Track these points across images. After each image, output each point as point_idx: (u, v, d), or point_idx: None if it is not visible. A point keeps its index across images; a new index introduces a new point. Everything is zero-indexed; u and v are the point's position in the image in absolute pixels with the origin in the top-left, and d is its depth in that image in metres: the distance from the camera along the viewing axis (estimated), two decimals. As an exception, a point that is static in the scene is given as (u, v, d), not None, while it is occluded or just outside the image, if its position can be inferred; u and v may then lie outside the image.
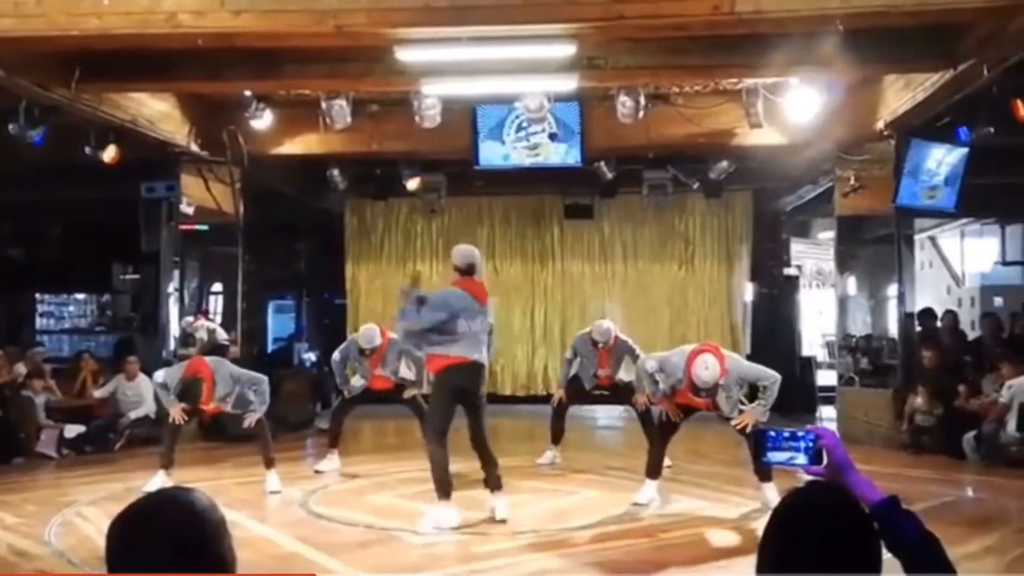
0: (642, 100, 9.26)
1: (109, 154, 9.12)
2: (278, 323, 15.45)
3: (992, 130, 8.30)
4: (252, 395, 7.46)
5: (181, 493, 1.57)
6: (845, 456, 1.93)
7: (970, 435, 8.71)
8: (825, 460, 1.92)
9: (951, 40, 7.33)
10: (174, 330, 11.01)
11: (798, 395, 12.15)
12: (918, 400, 9.27)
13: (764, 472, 6.16)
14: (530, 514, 6.64)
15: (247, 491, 7.23)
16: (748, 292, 13.88)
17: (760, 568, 1.68)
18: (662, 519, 6.51)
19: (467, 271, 6.28)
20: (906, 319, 10.46)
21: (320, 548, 5.63)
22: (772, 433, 2.00)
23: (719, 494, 7.28)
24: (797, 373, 12.52)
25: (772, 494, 6.07)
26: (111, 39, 6.74)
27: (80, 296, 14.60)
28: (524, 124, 10.47)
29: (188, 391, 7.44)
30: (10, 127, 8.03)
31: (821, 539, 1.62)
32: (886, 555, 1.73)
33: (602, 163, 11.28)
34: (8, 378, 9.48)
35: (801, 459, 1.95)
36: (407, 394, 8.25)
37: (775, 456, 1.98)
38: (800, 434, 1.96)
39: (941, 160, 9.12)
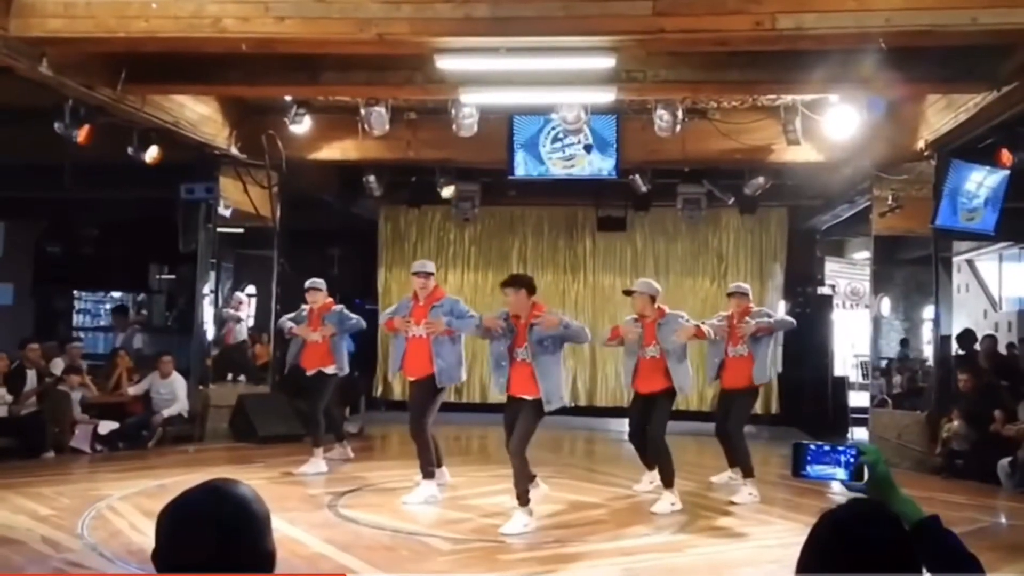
0: (680, 114, 9.24)
1: (151, 155, 9.26)
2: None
3: (1034, 153, 8.21)
4: None
5: (230, 485, 1.59)
6: (887, 473, 1.91)
7: (1005, 461, 8.56)
8: (867, 476, 1.91)
9: (994, 62, 7.25)
10: (208, 331, 11.13)
11: (830, 415, 12.06)
12: (955, 424, 9.13)
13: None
14: (556, 524, 6.63)
15: (276, 491, 7.27)
16: (781, 310, 13.77)
17: (798, 582, 1.67)
18: (690, 535, 6.48)
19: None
20: (942, 342, 10.32)
21: (346, 550, 5.66)
22: (813, 446, 1.98)
23: (748, 512, 7.22)
24: (829, 393, 12.42)
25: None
26: (157, 42, 6.85)
27: (116, 294, 14.82)
28: (560, 135, 10.51)
29: None
30: (55, 125, 8.17)
31: (862, 557, 1.61)
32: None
33: (637, 176, 11.27)
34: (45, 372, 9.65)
35: (841, 474, 1.94)
36: None
37: (815, 470, 1.97)
38: (841, 448, 1.94)
39: (981, 182, 9.01)
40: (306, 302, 8.89)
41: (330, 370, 8.73)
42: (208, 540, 1.49)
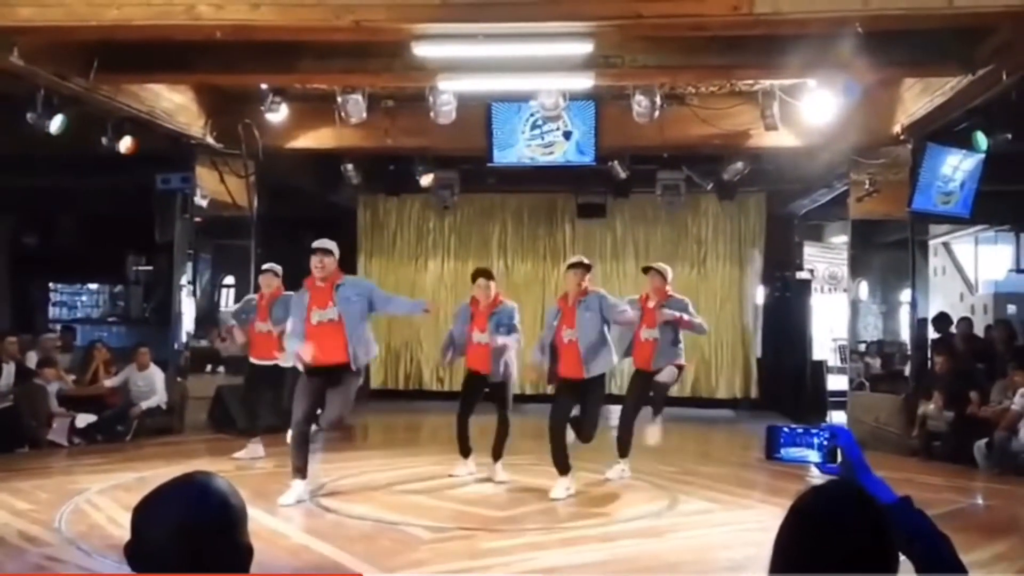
0: (658, 100, 9.23)
1: (125, 145, 9.17)
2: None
3: (1009, 136, 8.28)
4: None
5: (206, 478, 1.58)
6: (860, 455, 1.92)
7: (981, 443, 8.66)
8: (839, 458, 1.92)
9: (971, 45, 7.29)
10: (187, 322, 11.06)
11: (808, 399, 12.15)
12: (931, 406, 9.23)
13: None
14: (538, 511, 6.65)
15: (255, 482, 7.23)
16: (760, 295, 13.85)
17: (774, 566, 1.67)
18: (671, 519, 6.51)
19: None
20: (919, 325, 10.42)
21: (328, 541, 5.64)
22: (786, 429, 1.99)
23: (728, 496, 7.27)
24: (808, 377, 12.50)
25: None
26: (130, 30, 6.76)
27: (93, 286, 14.70)
28: (539, 122, 10.48)
29: None
30: (28, 116, 8.07)
31: (839, 538, 1.62)
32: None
33: (616, 162, 11.26)
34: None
35: (815, 456, 1.94)
36: None
37: (788, 452, 1.97)
38: (814, 431, 1.95)
39: (957, 166, 9.08)
40: (259, 288, 8.71)
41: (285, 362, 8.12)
42: (184, 534, 1.48)
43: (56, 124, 8.19)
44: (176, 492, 1.54)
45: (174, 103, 9.65)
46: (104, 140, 9.02)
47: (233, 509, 1.55)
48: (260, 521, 6.00)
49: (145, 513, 1.52)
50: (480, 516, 6.45)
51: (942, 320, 10.80)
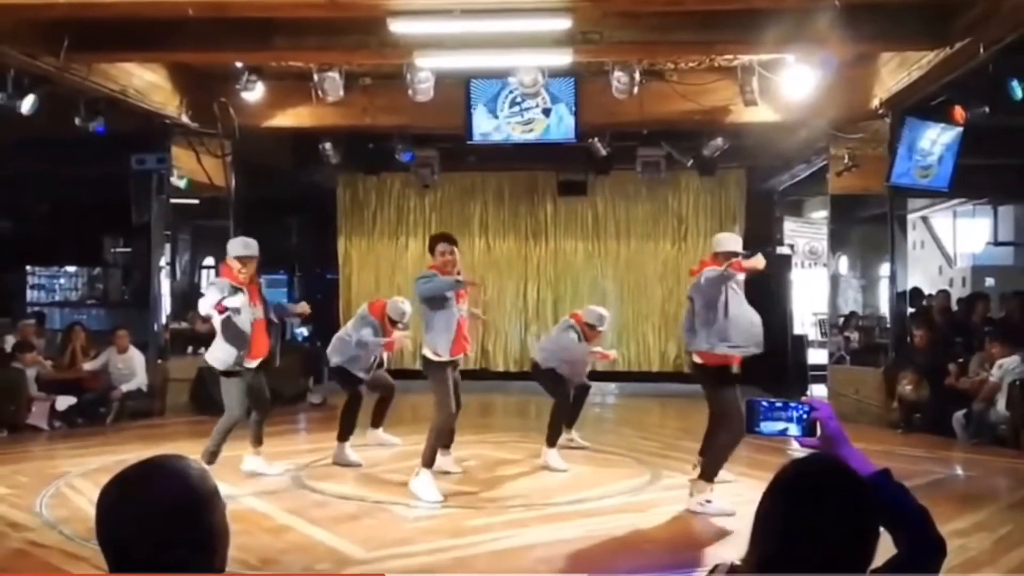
0: (637, 76, 9.20)
1: (98, 124, 9.02)
2: (270, 298, 15.37)
3: (987, 110, 8.29)
4: None
5: (173, 461, 1.55)
6: (839, 428, 1.92)
7: (960, 414, 8.76)
8: (819, 432, 1.92)
9: (947, 19, 7.30)
10: (166, 304, 10.96)
11: (789, 373, 12.22)
12: (907, 387, 9.31)
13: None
14: (521, 488, 6.67)
15: (239, 463, 7.20)
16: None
17: (755, 539, 1.67)
18: (653, 495, 6.54)
19: None
20: (898, 298, 10.49)
21: (312, 521, 5.64)
22: (765, 403, 1.98)
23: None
24: (788, 351, 12.57)
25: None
26: (101, 8, 6.67)
27: (71, 269, 14.55)
28: (518, 99, 10.41)
29: None
30: (-2, 97, 7.94)
31: (819, 510, 1.62)
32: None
33: (596, 139, 11.22)
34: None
35: (794, 430, 1.94)
36: None
37: (767, 426, 1.97)
38: (793, 405, 1.95)
39: (935, 139, 9.11)
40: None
41: None
42: (145, 517, 1.46)
43: (27, 105, 8.04)
44: (138, 476, 1.52)
45: (147, 82, 9.51)
46: (77, 120, 8.87)
47: (195, 491, 1.52)
48: (243, 502, 5.99)
49: (107, 498, 1.50)
50: (463, 494, 6.46)
51: (916, 296, 10.88)
